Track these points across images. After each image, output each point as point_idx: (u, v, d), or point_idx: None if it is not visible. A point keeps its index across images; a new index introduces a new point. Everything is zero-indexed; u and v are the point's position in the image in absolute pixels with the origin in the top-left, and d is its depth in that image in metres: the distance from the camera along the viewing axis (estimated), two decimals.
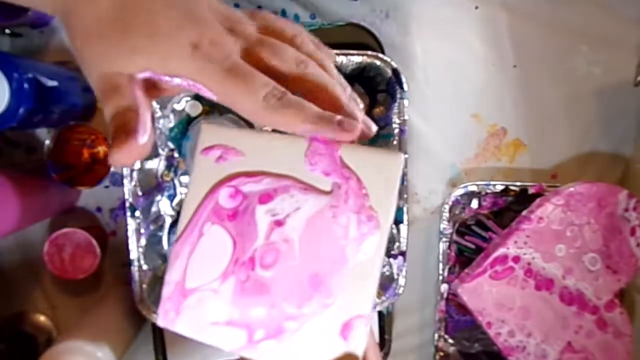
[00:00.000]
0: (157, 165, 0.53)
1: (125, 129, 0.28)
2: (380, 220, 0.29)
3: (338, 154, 0.30)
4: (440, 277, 0.58)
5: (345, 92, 0.31)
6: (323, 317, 0.29)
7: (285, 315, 0.30)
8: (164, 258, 0.54)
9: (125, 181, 0.49)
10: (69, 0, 0.28)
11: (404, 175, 0.51)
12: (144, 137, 0.28)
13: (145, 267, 0.50)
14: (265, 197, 0.31)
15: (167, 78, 0.28)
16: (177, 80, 0.28)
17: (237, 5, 0.56)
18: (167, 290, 0.31)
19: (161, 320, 0.32)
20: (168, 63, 0.27)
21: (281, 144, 0.31)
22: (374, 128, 0.31)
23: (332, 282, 0.29)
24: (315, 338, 0.29)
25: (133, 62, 0.28)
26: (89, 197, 0.58)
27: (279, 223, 0.30)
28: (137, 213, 0.50)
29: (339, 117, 0.29)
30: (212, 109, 0.53)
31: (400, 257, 0.52)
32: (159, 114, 0.52)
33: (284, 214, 0.30)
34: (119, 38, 0.27)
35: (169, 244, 0.54)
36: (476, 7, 0.58)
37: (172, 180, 0.54)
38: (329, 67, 0.31)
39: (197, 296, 0.31)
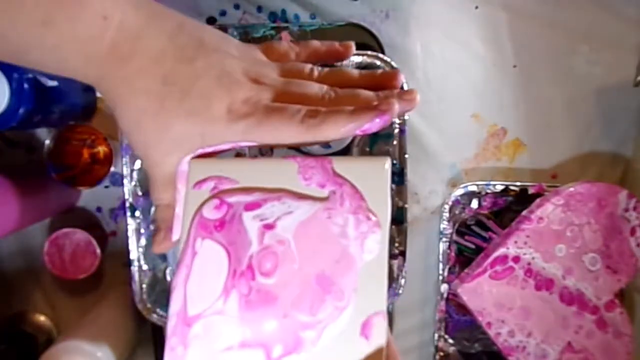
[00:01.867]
0: None
1: (165, 225, 0.33)
2: (380, 220, 0.29)
3: (330, 166, 0.30)
4: (440, 277, 0.58)
5: (374, 95, 0.32)
6: (340, 320, 0.28)
7: (301, 325, 0.28)
8: (164, 258, 0.54)
9: (125, 181, 0.49)
10: (110, 97, 0.30)
11: (404, 175, 0.51)
12: (176, 235, 0.32)
13: (145, 267, 0.50)
14: (252, 205, 0.30)
15: (210, 149, 0.30)
16: (221, 147, 0.30)
17: (237, 6, 0.56)
18: (170, 325, 0.29)
19: None
20: (209, 139, 0.30)
21: (272, 166, 0.31)
22: (416, 97, 0.32)
23: (342, 284, 0.28)
24: (337, 344, 0.28)
25: (175, 152, 0.30)
26: (89, 197, 0.58)
27: (269, 226, 0.30)
28: (137, 213, 0.50)
29: (374, 102, 0.31)
30: None
31: (400, 257, 0.52)
32: None
33: (274, 217, 0.30)
34: (161, 129, 0.29)
35: None
36: (476, 7, 0.58)
37: None
38: (348, 73, 0.34)
39: (202, 323, 0.29)
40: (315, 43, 0.36)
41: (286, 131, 0.30)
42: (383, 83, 0.34)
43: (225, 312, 0.29)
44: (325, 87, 0.32)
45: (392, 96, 0.32)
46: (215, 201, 0.30)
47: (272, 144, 0.30)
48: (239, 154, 0.52)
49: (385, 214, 0.29)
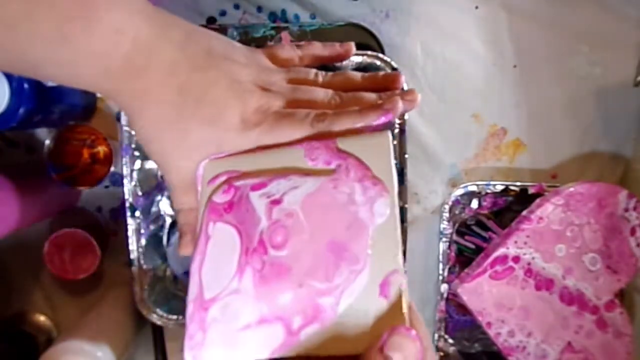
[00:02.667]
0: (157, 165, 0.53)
1: (190, 228, 0.33)
2: (386, 185, 0.29)
3: (334, 145, 0.31)
4: (440, 277, 0.58)
5: (377, 97, 0.33)
6: (357, 283, 0.27)
7: (318, 292, 0.28)
8: (164, 258, 0.54)
9: (125, 181, 0.49)
10: (127, 108, 0.31)
11: (404, 175, 0.51)
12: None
13: (145, 267, 0.50)
14: (259, 185, 0.31)
15: (223, 155, 0.31)
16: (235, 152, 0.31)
17: (237, 6, 0.56)
18: (188, 312, 0.29)
19: (188, 351, 0.28)
20: (224, 146, 0.31)
21: (280, 154, 0.31)
22: (417, 97, 0.33)
23: (355, 249, 0.28)
24: (357, 307, 0.27)
25: (192, 158, 0.31)
26: (89, 197, 0.58)
27: (276, 202, 0.30)
28: (137, 213, 0.50)
29: (379, 101, 0.32)
30: None
31: None
32: None
33: (280, 193, 0.30)
34: (177, 137, 0.31)
35: (169, 244, 0.54)
36: (476, 7, 0.58)
37: None
38: (351, 76, 0.35)
39: (219, 305, 0.29)
40: (317, 46, 0.37)
41: (297, 135, 0.31)
42: (385, 85, 0.35)
43: (240, 290, 0.29)
44: (330, 92, 0.33)
45: (395, 95, 0.33)
46: (223, 186, 0.31)
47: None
48: None
49: (391, 180, 0.30)
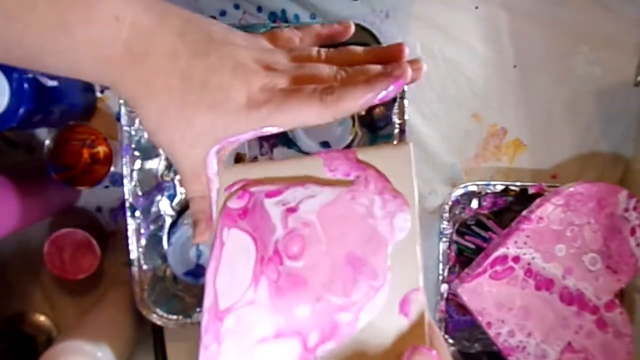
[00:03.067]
0: (157, 165, 0.53)
1: (204, 215, 0.32)
2: (407, 199, 0.29)
3: (353, 155, 0.30)
4: (440, 277, 0.58)
5: (382, 68, 0.32)
6: (377, 300, 0.27)
7: (336, 308, 0.27)
8: (164, 258, 0.54)
9: (125, 181, 0.49)
10: (131, 98, 0.30)
11: None
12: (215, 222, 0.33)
13: (145, 267, 0.50)
14: (274, 193, 0.30)
15: (234, 139, 0.30)
16: (245, 137, 0.30)
17: (237, 6, 0.56)
18: (203, 322, 0.29)
19: None
20: (232, 129, 0.30)
21: (298, 163, 0.31)
22: (423, 66, 0.32)
23: (374, 263, 0.28)
24: (376, 325, 0.27)
25: (201, 145, 0.31)
26: (89, 197, 0.58)
27: (291, 210, 0.29)
28: (137, 213, 0.50)
29: (388, 69, 0.31)
30: None
31: None
32: None
33: (296, 201, 0.30)
34: (184, 125, 0.30)
35: (169, 244, 0.54)
36: (476, 7, 0.58)
37: (172, 180, 0.54)
38: (354, 51, 0.34)
39: (234, 316, 0.28)
40: (316, 26, 0.36)
41: (306, 111, 0.30)
42: (388, 57, 0.34)
43: (256, 301, 0.28)
44: (335, 67, 0.32)
45: (402, 63, 0.32)
46: (238, 192, 0.31)
47: (293, 126, 0.31)
48: (239, 157, 0.52)
49: (412, 193, 0.29)
